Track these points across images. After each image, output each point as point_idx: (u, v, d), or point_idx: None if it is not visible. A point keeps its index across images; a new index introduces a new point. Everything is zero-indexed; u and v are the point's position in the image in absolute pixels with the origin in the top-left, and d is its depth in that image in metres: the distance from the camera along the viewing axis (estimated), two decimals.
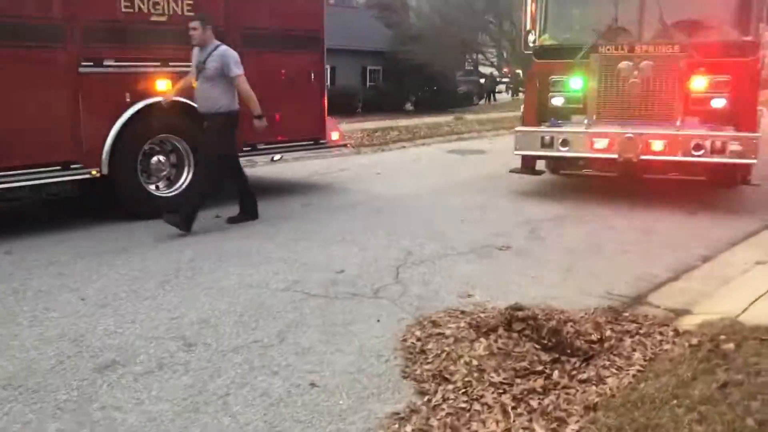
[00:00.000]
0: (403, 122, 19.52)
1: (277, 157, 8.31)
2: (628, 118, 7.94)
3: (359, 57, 34.29)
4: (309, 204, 7.88)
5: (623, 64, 7.83)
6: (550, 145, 8.01)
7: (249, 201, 6.97)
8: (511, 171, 8.73)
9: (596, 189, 8.74)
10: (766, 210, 7.76)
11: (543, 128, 8.20)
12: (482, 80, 39.30)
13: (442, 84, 35.26)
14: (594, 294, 4.86)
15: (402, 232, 6.54)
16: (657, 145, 7.55)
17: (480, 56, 36.57)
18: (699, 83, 7.75)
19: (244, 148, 7.55)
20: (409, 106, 35.39)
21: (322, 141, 8.41)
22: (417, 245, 6.07)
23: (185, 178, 7.25)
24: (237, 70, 6.43)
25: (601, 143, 7.77)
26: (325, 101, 8.42)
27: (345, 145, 8.95)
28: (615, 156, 7.66)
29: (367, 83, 35.18)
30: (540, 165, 8.92)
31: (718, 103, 7.72)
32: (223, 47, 6.45)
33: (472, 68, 39.46)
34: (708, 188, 8.49)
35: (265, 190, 8.87)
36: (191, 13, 6.89)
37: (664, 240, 6.42)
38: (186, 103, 6.91)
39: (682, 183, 8.46)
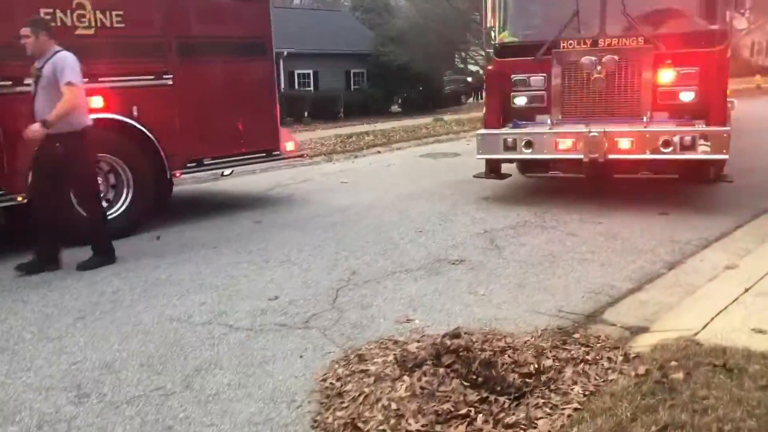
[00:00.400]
0: (381, 126, 19.16)
1: (227, 171, 7.91)
2: (594, 116, 7.58)
3: (342, 60, 33.95)
4: (261, 221, 7.47)
5: (585, 59, 7.45)
6: (513, 147, 7.63)
7: (45, 240, 5.80)
8: (475, 176, 8.34)
9: (565, 191, 8.37)
10: (741, 207, 7.39)
11: (505, 130, 7.82)
12: (469, 79, 38.97)
13: (428, 84, 34.94)
14: (545, 312, 4.48)
15: (352, 248, 6.15)
16: (624, 143, 7.17)
17: (467, 55, 36.17)
18: (666, 76, 7.38)
19: (188, 164, 7.15)
20: (395, 108, 35.07)
21: (275, 153, 8.01)
22: (365, 263, 5.68)
23: (125, 199, 6.83)
24: (70, 76, 5.44)
25: (565, 143, 7.40)
26: (277, 110, 8.02)
27: (301, 156, 8.55)
28: (581, 156, 7.29)
29: (352, 86, 34.83)
30: (508, 168, 8.55)
31: (687, 96, 7.34)
32: (63, 53, 5.56)
33: (462, 67, 39.10)
34: (681, 186, 8.12)
35: (218, 205, 8.50)
36: (121, 25, 6.51)
37: (629, 245, 6.04)
38: (120, 120, 6.53)
39: (654, 182, 8.09)
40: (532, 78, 7.94)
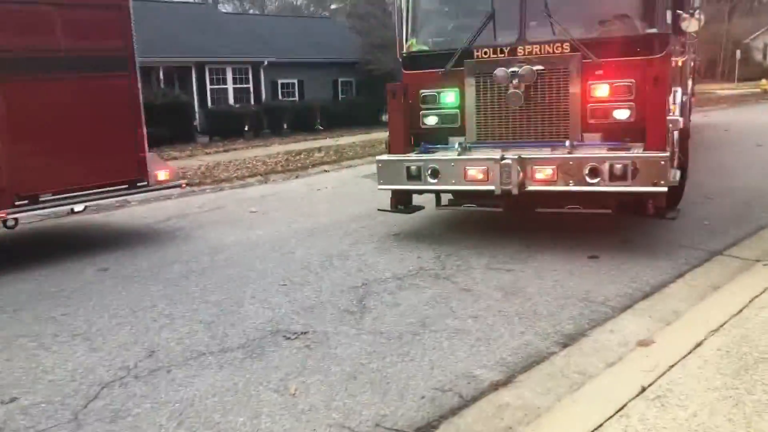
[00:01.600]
0: (344, 140, 17.97)
1: (78, 207, 6.68)
2: (512, 140, 6.34)
3: (329, 69, 32.76)
4: (108, 268, 6.24)
5: (499, 71, 6.21)
6: (417, 176, 6.38)
7: None
8: (380, 210, 7.08)
9: (484, 228, 7.11)
10: (691, 248, 6.12)
11: (408, 156, 6.57)
12: None
13: None
14: (355, 428, 3.24)
15: (180, 313, 4.92)
16: (543, 172, 5.90)
17: None
18: (596, 90, 6.11)
19: (18, 202, 5.96)
20: (386, 118, 33.80)
21: (141, 183, 6.80)
22: (176, 337, 4.45)
23: None
24: None
25: (475, 172, 6.13)
26: (143, 134, 6.80)
27: (179, 186, 7.30)
28: (492, 188, 6.02)
29: (339, 96, 33.67)
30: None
31: (621, 114, 6.08)
32: None
33: None
34: (627, 220, 6.80)
35: (80, 244, 7.24)
36: None
37: (528, 307, 4.77)
38: None
39: (590, 216, 6.77)
40: (443, 93, 6.71)
